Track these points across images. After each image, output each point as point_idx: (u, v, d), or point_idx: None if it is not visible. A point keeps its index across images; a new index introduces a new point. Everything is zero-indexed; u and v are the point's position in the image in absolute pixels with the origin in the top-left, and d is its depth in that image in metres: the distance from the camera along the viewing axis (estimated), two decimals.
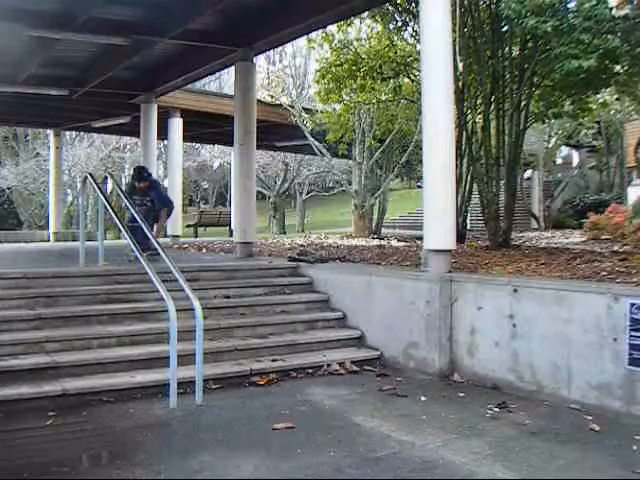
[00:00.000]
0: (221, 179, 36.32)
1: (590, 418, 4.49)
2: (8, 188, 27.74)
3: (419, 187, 27.50)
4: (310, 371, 5.84)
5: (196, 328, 4.84)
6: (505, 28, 8.82)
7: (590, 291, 4.83)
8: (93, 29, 8.68)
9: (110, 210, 7.17)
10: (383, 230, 17.00)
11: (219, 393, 5.19)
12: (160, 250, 5.89)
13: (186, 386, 4.98)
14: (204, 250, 11.29)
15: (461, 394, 5.20)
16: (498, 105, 9.07)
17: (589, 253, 7.88)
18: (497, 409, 4.73)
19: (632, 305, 4.46)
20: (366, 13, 12.08)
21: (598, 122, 20.35)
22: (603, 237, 11.62)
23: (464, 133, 9.48)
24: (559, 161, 27.67)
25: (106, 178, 24.62)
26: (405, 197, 30.72)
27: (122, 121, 14.94)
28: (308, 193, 35.28)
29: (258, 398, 5.08)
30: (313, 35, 13.69)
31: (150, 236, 6.40)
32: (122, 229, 6.61)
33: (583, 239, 12.11)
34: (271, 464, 3.68)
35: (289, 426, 4.32)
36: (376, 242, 12.16)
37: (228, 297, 7.04)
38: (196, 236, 21.31)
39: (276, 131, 17.69)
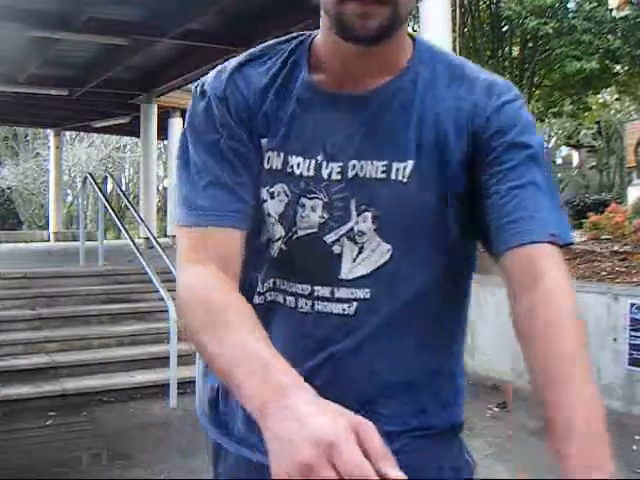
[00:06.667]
0: None
1: None
2: (8, 188, 27.73)
3: None
4: None
5: None
6: (505, 28, 8.83)
7: (590, 291, 4.83)
8: (93, 29, 8.68)
9: (110, 210, 7.18)
10: None
11: None
12: None
13: (186, 386, 4.97)
14: None
15: None
16: None
17: (589, 253, 7.88)
18: (497, 409, 4.73)
19: (632, 305, 4.46)
20: None
21: (598, 122, 20.34)
22: (603, 237, 11.61)
23: None
24: (559, 161, 27.70)
25: (106, 178, 24.65)
26: None
27: (122, 121, 14.94)
28: None
29: None
30: None
31: None
32: (122, 229, 6.61)
33: (583, 239, 12.11)
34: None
35: None
36: None
37: None
38: None
39: None
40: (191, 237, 0.91)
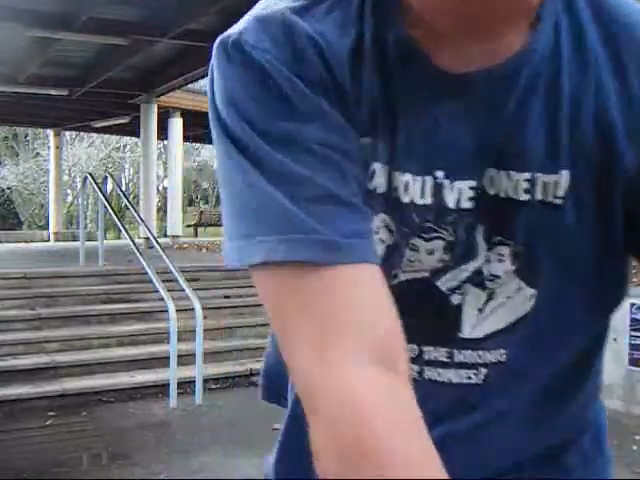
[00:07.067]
0: None
1: None
2: (8, 188, 27.76)
3: None
4: None
5: (196, 328, 4.84)
6: None
7: None
8: (93, 29, 8.69)
9: (110, 210, 7.19)
10: None
11: (219, 393, 5.19)
12: None
13: (186, 386, 4.98)
14: (204, 250, 11.29)
15: None
16: None
17: None
18: None
19: (632, 305, 4.46)
20: None
21: None
22: None
23: None
24: None
25: (106, 178, 24.66)
26: None
27: (122, 121, 14.96)
28: None
29: (258, 398, 5.08)
30: None
31: None
32: (122, 229, 6.62)
33: None
34: None
35: None
36: None
37: (228, 297, 7.03)
38: (196, 236, 21.31)
39: None
40: (312, 292, 0.52)
